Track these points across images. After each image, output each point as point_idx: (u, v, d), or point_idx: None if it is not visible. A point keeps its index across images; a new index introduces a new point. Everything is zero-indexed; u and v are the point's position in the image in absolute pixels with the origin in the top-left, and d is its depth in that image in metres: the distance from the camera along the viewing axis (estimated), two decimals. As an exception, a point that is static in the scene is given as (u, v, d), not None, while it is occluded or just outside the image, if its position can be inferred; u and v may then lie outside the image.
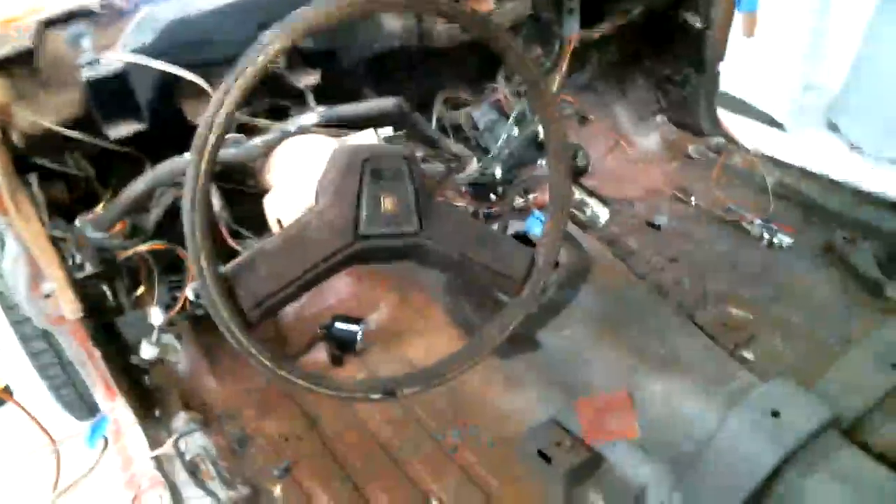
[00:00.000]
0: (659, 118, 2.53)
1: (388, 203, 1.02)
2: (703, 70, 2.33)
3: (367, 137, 1.25)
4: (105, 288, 1.49)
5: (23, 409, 1.64)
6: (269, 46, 0.89)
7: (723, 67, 2.32)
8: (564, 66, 2.10)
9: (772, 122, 3.30)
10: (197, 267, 0.89)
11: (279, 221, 1.12)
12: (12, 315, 1.92)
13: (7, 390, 2.48)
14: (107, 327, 1.60)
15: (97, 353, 1.51)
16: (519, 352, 1.75)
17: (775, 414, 1.39)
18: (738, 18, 2.19)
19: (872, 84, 3.08)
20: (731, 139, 2.38)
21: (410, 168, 1.04)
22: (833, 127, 3.30)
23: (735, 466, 1.36)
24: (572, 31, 2.14)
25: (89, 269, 1.41)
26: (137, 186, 1.28)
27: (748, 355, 1.69)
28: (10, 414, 2.04)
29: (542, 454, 1.54)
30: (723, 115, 2.50)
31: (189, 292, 1.03)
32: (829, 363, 1.64)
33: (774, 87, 3.28)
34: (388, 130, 1.29)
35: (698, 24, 2.26)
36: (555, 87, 2.04)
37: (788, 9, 3.21)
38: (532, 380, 1.71)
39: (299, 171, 1.15)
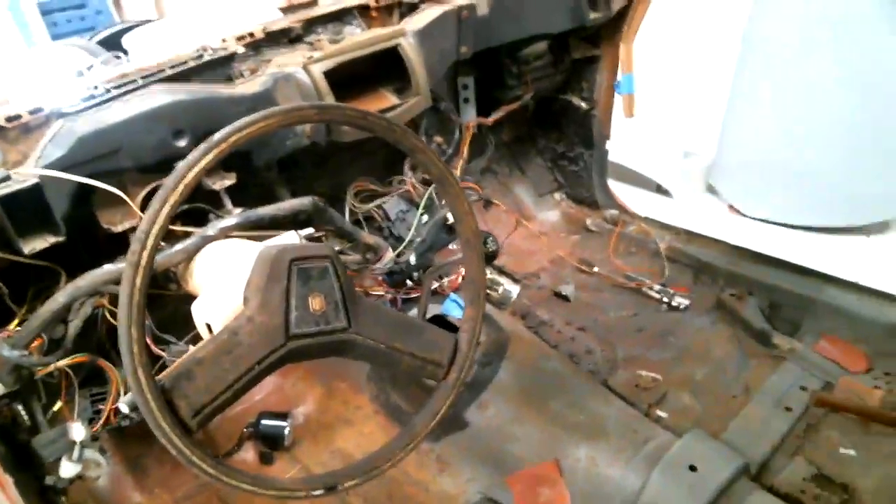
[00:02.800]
0: (557, 195, 2.71)
1: (315, 302, 1.06)
2: (591, 147, 2.53)
3: (290, 238, 1.30)
4: (20, 408, 1.44)
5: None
6: (198, 164, 0.94)
7: (612, 143, 2.53)
8: (465, 152, 2.24)
9: (659, 189, 3.57)
10: (134, 381, 0.90)
11: (209, 326, 1.13)
12: None
13: None
14: (17, 449, 1.53)
15: (9, 481, 1.43)
16: (448, 433, 1.78)
17: (692, 468, 1.48)
18: (619, 100, 2.40)
19: (738, 150, 3.40)
20: (624, 210, 2.57)
21: (335, 266, 1.09)
22: (712, 190, 3.60)
23: (661, 523, 1.44)
24: (469, 118, 2.29)
25: (1, 389, 1.37)
26: (57, 300, 1.27)
27: (662, 413, 1.80)
28: None
29: (478, 532, 1.57)
30: (616, 185, 2.71)
31: (123, 405, 1.02)
32: (734, 412, 1.77)
33: (659, 157, 3.56)
34: (308, 230, 1.34)
35: (584, 106, 2.47)
36: (458, 172, 2.16)
37: (661, 83, 3.52)
38: (463, 460, 1.74)
39: (224, 276, 1.17)
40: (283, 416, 1.90)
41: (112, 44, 2.25)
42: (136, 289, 0.90)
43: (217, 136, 0.96)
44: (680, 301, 2.19)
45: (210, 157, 0.95)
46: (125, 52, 2.04)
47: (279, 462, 1.86)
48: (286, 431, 1.85)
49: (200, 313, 1.15)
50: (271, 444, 1.86)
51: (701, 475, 1.47)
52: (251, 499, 1.78)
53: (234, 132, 0.96)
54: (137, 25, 2.40)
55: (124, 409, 1.03)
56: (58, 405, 1.49)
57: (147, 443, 1.88)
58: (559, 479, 1.60)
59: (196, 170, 0.94)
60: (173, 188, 0.93)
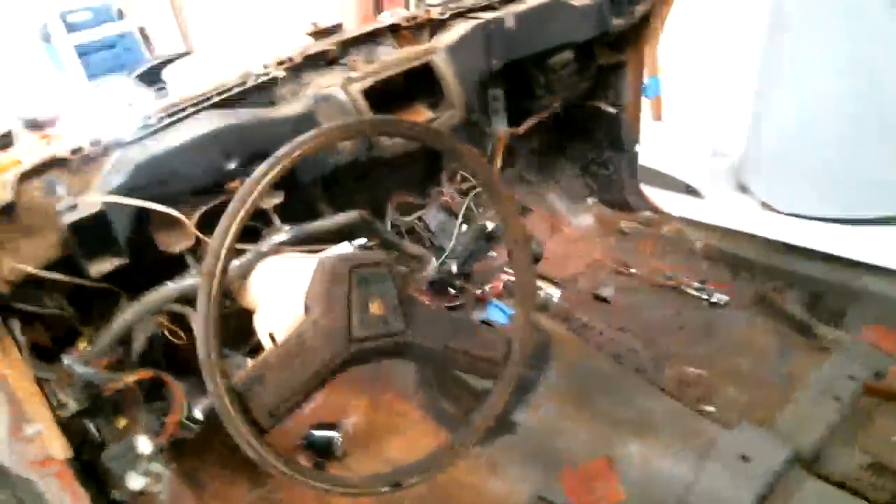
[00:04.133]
0: (590, 200, 2.74)
1: (375, 307, 1.11)
2: (622, 151, 2.56)
3: (344, 249, 1.35)
4: (89, 424, 1.50)
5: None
6: (265, 178, 1.00)
7: (640, 147, 2.56)
8: (498, 162, 2.29)
9: (688, 189, 3.57)
10: (213, 385, 0.95)
11: (272, 336, 1.19)
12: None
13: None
14: (84, 466, 1.59)
15: (85, 494, 1.50)
16: (497, 435, 1.81)
17: (745, 459, 1.50)
18: (647, 104, 2.43)
19: (768, 145, 3.40)
20: (657, 211, 2.59)
21: (392, 272, 1.14)
22: (743, 188, 3.60)
23: (717, 513, 1.46)
24: (501, 129, 2.34)
25: (73, 406, 1.43)
26: (126, 318, 1.34)
27: (709, 408, 1.81)
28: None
29: (535, 530, 1.59)
30: (646, 188, 2.73)
31: (197, 412, 1.08)
32: (781, 403, 1.78)
33: (687, 158, 3.56)
34: (361, 240, 1.40)
35: (612, 111, 2.50)
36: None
37: (687, 85, 3.53)
38: (514, 461, 1.77)
39: (283, 288, 1.23)
40: (332, 426, 1.95)
41: (150, 78, 2.34)
42: (212, 298, 0.95)
43: (281, 151, 1.02)
44: (720, 297, 2.20)
45: (275, 171, 1.00)
46: (165, 85, 2.13)
47: (333, 472, 1.90)
48: (338, 441, 1.90)
49: (263, 324, 1.21)
50: (323, 454, 1.91)
51: (754, 465, 1.48)
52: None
53: (296, 147, 1.02)
54: (173, 60, 2.49)
55: (198, 415, 1.08)
56: (122, 422, 1.55)
57: (202, 457, 1.93)
58: (612, 475, 1.62)
59: (263, 183, 0.99)
60: (243, 201, 0.98)
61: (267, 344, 1.22)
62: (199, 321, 0.95)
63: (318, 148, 1.06)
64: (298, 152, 1.03)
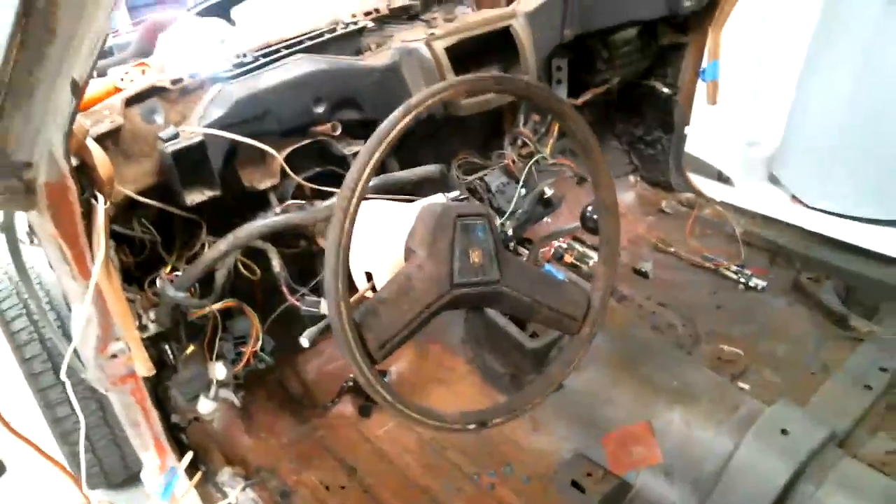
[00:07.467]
0: (632, 177, 2.78)
1: (475, 255, 1.17)
2: (671, 132, 2.60)
3: (439, 199, 1.40)
4: (166, 347, 1.56)
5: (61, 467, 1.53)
6: (399, 123, 1.04)
7: (689, 129, 2.59)
8: (556, 131, 2.33)
9: (720, 176, 3.61)
10: (337, 315, 1.01)
11: (368, 275, 1.25)
12: (34, 382, 1.93)
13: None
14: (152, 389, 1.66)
15: (155, 413, 1.57)
16: (543, 394, 1.88)
17: (784, 432, 1.57)
18: (702, 87, 2.46)
19: (805, 139, 3.43)
20: (699, 193, 2.64)
21: (490, 223, 1.20)
22: (775, 180, 3.64)
23: (754, 481, 1.52)
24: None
25: (152, 329, 1.49)
26: (219, 248, 1.39)
27: (744, 385, 1.89)
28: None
29: (575, 485, 1.67)
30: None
31: (304, 340, 1.14)
32: (814, 388, 1.85)
33: (721, 145, 3.59)
34: (455, 193, 1.45)
35: (666, 91, 2.53)
36: (548, 150, 2.25)
37: (727, 70, 3.53)
38: (557, 420, 1.85)
39: (381, 230, 1.28)
40: (380, 373, 2.02)
41: (214, 15, 2.35)
42: (344, 232, 1.00)
43: (413, 100, 1.06)
44: (757, 282, 2.26)
45: (409, 117, 1.05)
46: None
47: (376, 416, 1.98)
48: (385, 386, 1.97)
49: (360, 263, 1.26)
50: (369, 397, 1.98)
51: (792, 439, 1.55)
52: (354, 446, 1.91)
53: (428, 97, 1.06)
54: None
55: (305, 343, 1.14)
56: (190, 348, 1.61)
57: (252, 391, 2.01)
58: (652, 439, 1.70)
59: (398, 128, 1.04)
60: (379, 143, 1.03)
61: (361, 282, 1.28)
62: (330, 253, 1.00)
63: (449, 98, 1.10)
64: (431, 101, 1.06)
